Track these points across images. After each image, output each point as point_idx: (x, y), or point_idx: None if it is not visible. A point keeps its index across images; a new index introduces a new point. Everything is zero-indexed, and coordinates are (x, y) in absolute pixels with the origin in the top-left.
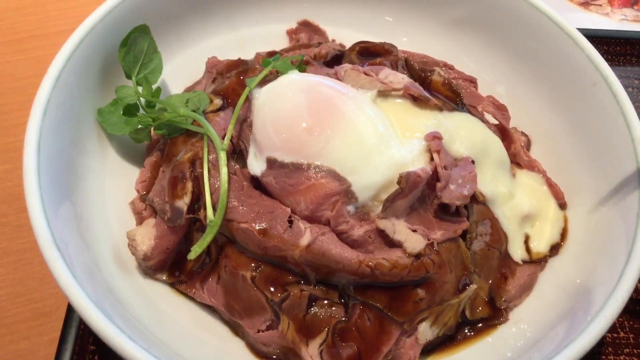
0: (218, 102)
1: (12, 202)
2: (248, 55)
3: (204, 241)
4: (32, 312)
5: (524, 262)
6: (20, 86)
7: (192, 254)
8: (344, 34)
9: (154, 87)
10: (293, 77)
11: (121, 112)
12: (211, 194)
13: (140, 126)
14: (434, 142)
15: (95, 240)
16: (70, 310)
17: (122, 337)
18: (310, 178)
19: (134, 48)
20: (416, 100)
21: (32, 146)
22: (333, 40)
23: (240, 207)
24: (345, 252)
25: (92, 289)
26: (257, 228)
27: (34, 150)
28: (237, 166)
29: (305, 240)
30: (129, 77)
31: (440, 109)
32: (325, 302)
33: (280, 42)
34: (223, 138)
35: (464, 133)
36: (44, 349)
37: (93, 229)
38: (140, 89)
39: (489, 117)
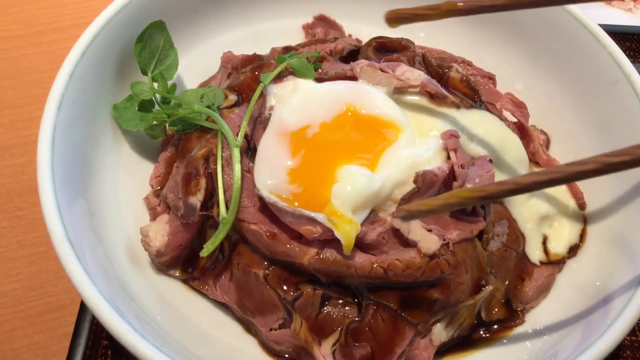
0: (233, 97)
1: (27, 195)
2: (263, 50)
3: (217, 239)
4: (46, 306)
5: (542, 263)
6: (37, 79)
7: (205, 251)
8: (361, 28)
9: (169, 83)
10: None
11: (136, 108)
12: (224, 192)
13: (155, 122)
14: (451, 141)
15: (109, 235)
16: (84, 304)
17: (135, 335)
18: (292, 223)
19: (150, 44)
20: (433, 97)
21: (47, 140)
22: (349, 35)
23: (252, 208)
24: (356, 257)
25: (104, 285)
26: (267, 231)
27: (48, 145)
28: (252, 163)
29: (314, 247)
30: (144, 73)
31: (458, 107)
32: (339, 301)
33: (296, 37)
34: (237, 135)
35: (482, 131)
36: (58, 342)
37: (106, 224)
38: (155, 85)
39: (507, 115)
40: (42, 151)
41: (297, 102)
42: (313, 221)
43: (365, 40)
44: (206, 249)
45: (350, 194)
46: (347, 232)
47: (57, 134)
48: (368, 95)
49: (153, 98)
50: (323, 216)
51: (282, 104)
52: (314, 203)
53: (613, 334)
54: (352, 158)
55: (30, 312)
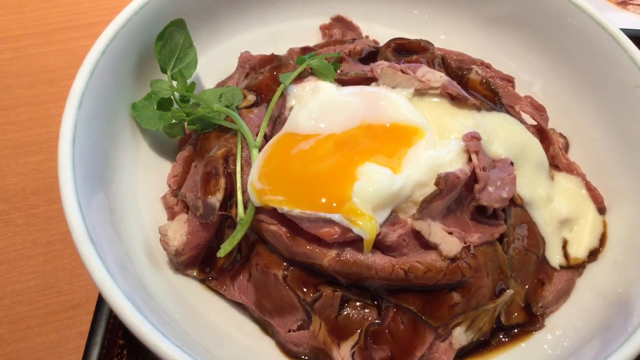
0: (251, 97)
1: (42, 193)
2: (280, 50)
3: (234, 239)
4: (61, 305)
5: (562, 267)
6: (52, 77)
7: (222, 252)
8: (378, 30)
9: (188, 81)
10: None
11: (155, 107)
12: (243, 192)
13: (174, 121)
14: (473, 143)
15: (128, 233)
16: (100, 303)
17: (156, 333)
18: (310, 228)
19: (169, 42)
20: (454, 99)
21: (68, 138)
22: (366, 37)
23: (271, 209)
24: (377, 258)
25: (124, 283)
26: (287, 232)
27: (69, 142)
28: None
29: (334, 249)
30: (164, 71)
31: (479, 109)
32: (358, 303)
33: (313, 38)
34: (256, 135)
35: (503, 134)
36: (73, 341)
37: (125, 223)
38: (175, 83)
39: (526, 118)
40: (63, 148)
41: (315, 108)
42: (330, 222)
43: (382, 41)
44: (223, 249)
45: (371, 192)
46: (368, 227)
47: (77, 131)
48: (388, 101)
49: (172, 97)
50: (339, 216)
51: (301, 107)
52: (328, 204)
53: (634, 342)
54: (371, 160)
55: (45, 310)
